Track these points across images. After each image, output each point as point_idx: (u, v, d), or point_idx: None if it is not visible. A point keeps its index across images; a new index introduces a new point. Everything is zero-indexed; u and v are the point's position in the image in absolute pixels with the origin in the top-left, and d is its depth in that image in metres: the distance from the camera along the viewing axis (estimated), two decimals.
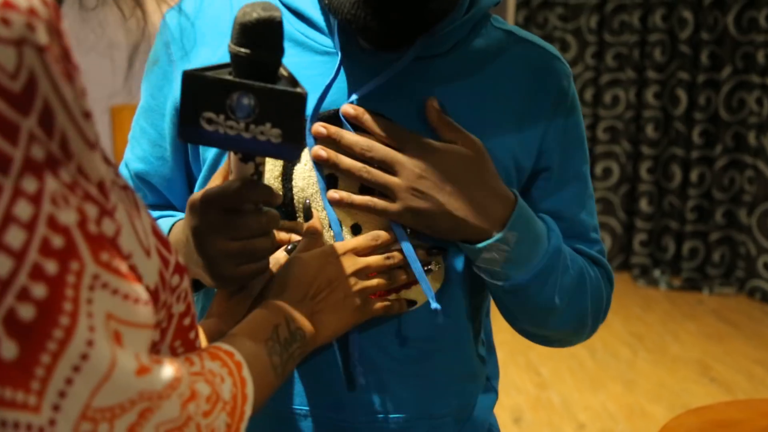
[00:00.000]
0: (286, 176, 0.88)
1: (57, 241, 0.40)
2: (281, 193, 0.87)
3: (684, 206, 4.57)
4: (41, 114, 0.39)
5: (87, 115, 0.43)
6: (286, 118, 0.69)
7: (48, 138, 0.40)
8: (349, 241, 0.81)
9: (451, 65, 0.90)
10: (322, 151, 0.81)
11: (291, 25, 0.90)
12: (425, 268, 0.84)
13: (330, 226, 0.87)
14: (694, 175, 4.48)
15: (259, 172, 0.74)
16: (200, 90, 0.69)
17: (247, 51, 0.67)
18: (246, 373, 0.60)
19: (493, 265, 0.85)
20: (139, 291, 0.45)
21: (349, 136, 0.82)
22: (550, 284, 0.88)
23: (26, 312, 0.39)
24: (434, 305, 0.84)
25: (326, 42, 0.89)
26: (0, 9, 0.38)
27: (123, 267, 0.44)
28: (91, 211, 0.42)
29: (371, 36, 0.84)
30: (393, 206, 0.81)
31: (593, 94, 4.84)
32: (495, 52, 0.92)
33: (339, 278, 0.79)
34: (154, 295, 0.50)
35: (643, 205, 4.67)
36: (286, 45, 0.82)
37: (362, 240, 0.81)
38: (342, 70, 0.88)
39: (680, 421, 1.96)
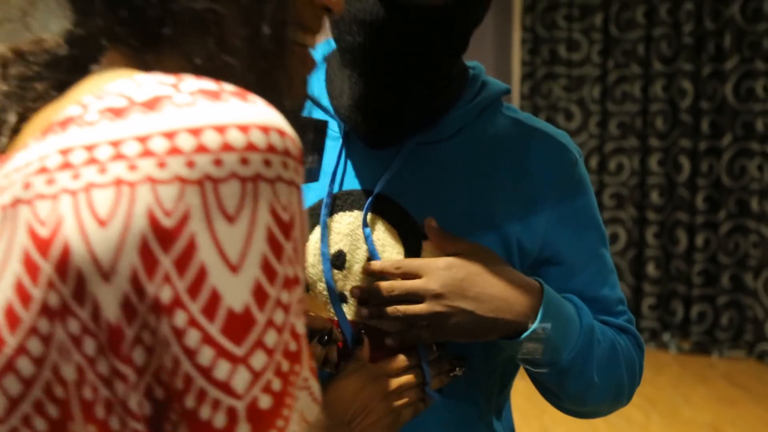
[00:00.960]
0: None
1: (293, 346, 0.46)
2: None
3: (691, 270, 4.59)
4: (294, 242, 0.45)
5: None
6: (318, 143, 0.80)
7: (296, 261, 0.46)
8: (384, 365, 0.85)
9: (455, 150, 0.93)
10: (364, 310, 0.88)
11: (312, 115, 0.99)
12: (452, 374, 0.89)
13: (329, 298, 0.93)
14: (699, 240, 4.52)
15: None
16: None
17: None
18: None
19: (535, 354, 0.86)
20: (318, 396, 0.50)
21: (374, 287, 0.88)
22: (589, 362, 0.90)
23: (264, 402, 0.43)
24: (434, 396, 0.89)
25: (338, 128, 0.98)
26: (282, 155, 0.44)
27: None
28: (301, 323, 0.48)
29: (363, 135, 0.92)
30: (426, 333, 0.86)
31: (598, 162, 4.92)
32: (500, 139, 0.94)
33: (374, 403, 0.84)
34: None
35: (651, 269, 4.70)
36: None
37: (397, 363, 0.85)
38: (354, 155, 0.95)
39: None
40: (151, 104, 0.45)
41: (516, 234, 0.92)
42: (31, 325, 0.44)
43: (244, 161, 0.43)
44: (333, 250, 0.95)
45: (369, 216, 0.95)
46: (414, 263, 0.87)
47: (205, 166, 0.42)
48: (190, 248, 0.42)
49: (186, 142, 0.42)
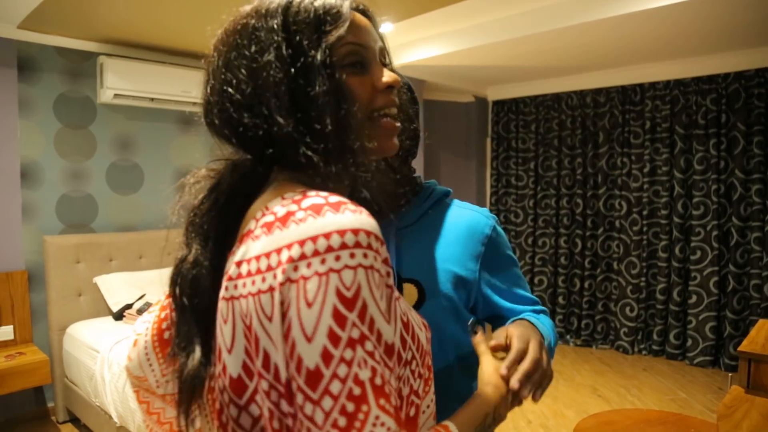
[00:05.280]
0: None
1: (356, 391, 0.47)
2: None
3: (581, 301, 5.19)
4: (361, 309, 0.49)
5: (389, 301, 0.53)
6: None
7: (364, 321, 0.49)
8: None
9: (418, 230, 1.01)
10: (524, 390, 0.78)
11: None
12: None
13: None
14: (586, 284, 5.16)
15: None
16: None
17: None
18: None
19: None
20: (389, 422, 0.48)
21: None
22: (552, 340, 1.00)
23: None
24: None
25: None
26: (353, 248, 0.50)
27: (393, 410, 0.49)
28: (378, 368, 0.49)
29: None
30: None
31: (532, 241, 5.59)
32: (448, 218, 1.02)
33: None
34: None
35: (560, 300, 5.33)
36: None
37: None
38: None
39: (585, 422, 2.28)
40: (283, 220, 0.52)
41: (461, 272, 0.99)
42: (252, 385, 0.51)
43: (323, 261, 0.49)
44: None
45: None
46: (522, 336, 0.83)
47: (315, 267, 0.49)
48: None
49: (297, 251, 0.49)
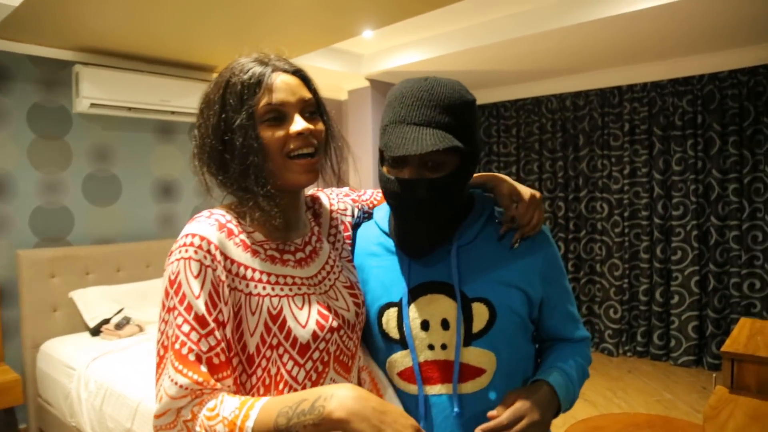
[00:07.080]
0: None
1: (165, 342, 0.77)
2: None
3: None
4: (176, 290, 0.77)
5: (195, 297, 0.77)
6: None
7: (177, 296, 0.76)
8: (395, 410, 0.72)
9: (478, 247, 0.99)
10: None
11: (385, 239, 1.05)
12: None
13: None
14: (576, 289, 4.87)
15: None
16: None
17: None
18: (254, 413, 0.72)
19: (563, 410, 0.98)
20: (180, 379, 0.73)
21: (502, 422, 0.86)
22: (577, 391, 1.01)
23: (157, 358, 0.77)
24: None
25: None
26: (185, 247, 0.78)
27: (180, 366, 0.74)
28: (174, 330, 0.76)
29: (407, 254, 1.00)
30: None
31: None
32: (500, 234, 1.00)
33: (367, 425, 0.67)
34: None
35: None
36: (387, 257, 1.04)
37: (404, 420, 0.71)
38: (413, 266, 0.99)
39: (574, 428, 2.27)
40: (190, 220, 0.84)
41: (527, 288, 0.98)
42: None
43: (171, 254, 0.80)
44: (421, 319, 0.98)
45: (433, 296, 0.97)
46: (517, 412, 0.87)
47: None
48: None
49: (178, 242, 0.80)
